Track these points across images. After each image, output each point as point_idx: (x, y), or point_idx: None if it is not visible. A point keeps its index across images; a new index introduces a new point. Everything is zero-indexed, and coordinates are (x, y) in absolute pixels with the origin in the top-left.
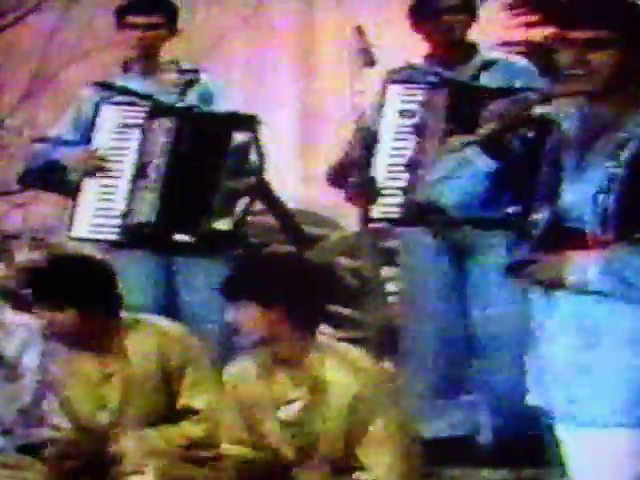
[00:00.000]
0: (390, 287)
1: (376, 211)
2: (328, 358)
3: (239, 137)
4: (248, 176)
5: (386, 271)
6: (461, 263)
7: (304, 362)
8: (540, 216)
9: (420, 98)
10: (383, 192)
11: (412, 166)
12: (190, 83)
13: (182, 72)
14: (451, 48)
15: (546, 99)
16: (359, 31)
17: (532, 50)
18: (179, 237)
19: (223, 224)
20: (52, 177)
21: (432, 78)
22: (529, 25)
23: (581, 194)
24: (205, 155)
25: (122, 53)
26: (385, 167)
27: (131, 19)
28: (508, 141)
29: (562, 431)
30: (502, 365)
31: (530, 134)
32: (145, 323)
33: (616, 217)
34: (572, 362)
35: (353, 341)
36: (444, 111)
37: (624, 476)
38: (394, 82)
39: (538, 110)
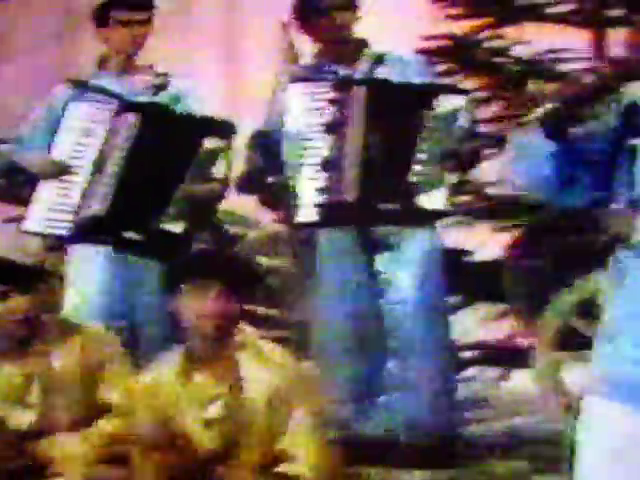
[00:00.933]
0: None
1: (296, 214)
2: (247, 355)
3: (210, 142)
4: (211, 183)
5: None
6: (373, 259)
7: (224, 360)
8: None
9: (327, 96)
10: (299, 194)
11: (330, 165)
12: (162, 86)
13: (157, 75)
14: (341, 45)
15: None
16: (284, 28)
17: (456, 43)
18: (128, 235)
19: (175, 227)
20: (13, 179)
21: (331, 76)
22: (453, 18)
23: None
24: (169, 155)
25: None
26: (297, 168)
27: (120, 15)
28: (568, 122)
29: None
30: (420, 363)
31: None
32: (70, 323)
33: None
34: None
35: (275, 340)
36: (364, 108)
37: None
38: (294, 81)
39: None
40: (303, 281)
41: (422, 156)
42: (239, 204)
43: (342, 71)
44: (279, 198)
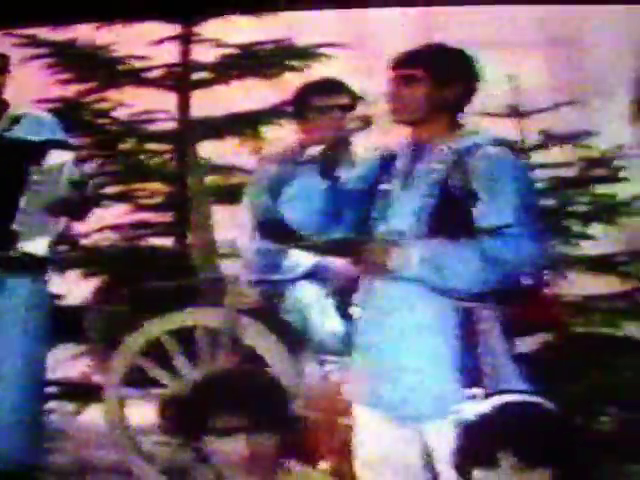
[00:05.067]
0: None
1: None
2: None
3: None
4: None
5: None
6: None
7: None
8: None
9: None
10: None
11: None
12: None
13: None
14: None
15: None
16: None
17: (65, 104)
18: None
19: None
20: None
21: None
22: (63, 82)
23: (405, 209)
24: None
25: None
26: None
27: None
28: (335, 162)
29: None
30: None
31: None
32: None
33: (431, 225)
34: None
35: None
36: None
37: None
38: None
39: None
40: None
41: (26, 206)
42: None
43: None
44: None
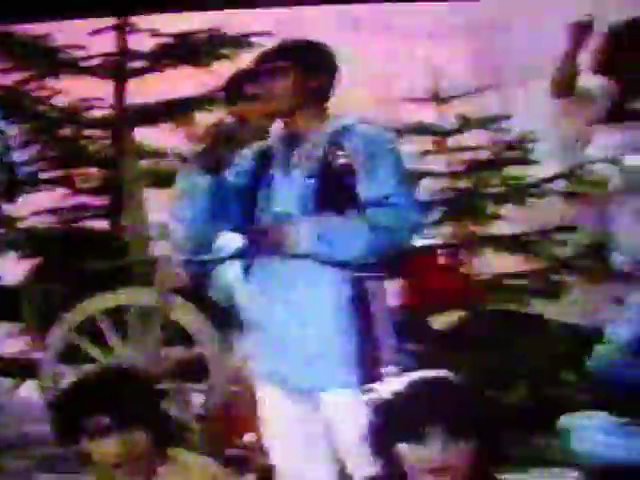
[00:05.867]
0: None
1: None
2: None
3: None
4: None
5: None
6: None
7: None
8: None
9: None
10: None
11: None
12: None
13: None
14: None
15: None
16: None
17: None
18: None
19: None
20: None
21: None
22: (3, 71)
23: (288, 194)
24: None
25: None
26: None
27: None
28: (218, 158)
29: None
30: None
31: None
32: None
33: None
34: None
35: None
36: None
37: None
38: None
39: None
40: None
41: None
42: None
43: None
44: None
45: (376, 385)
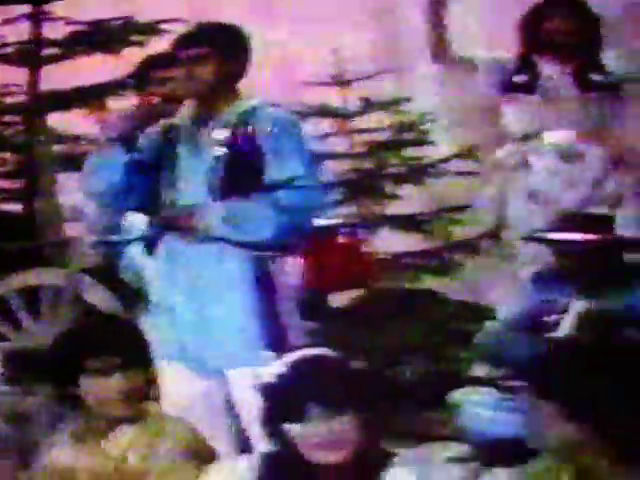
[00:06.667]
0: None
1: None
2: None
3: None
4: None
5: None
6: None
7: None
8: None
9: None
10: None
11: None
12: None
13: None
14: None
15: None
16: None
17: None
18: None
19: None
20: None
21: None
22: None
23: (196, 174)
24: None
25: None
26: None
27: None
28: (127, 136)
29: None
30: None
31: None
32: None
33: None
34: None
35: None
36: None
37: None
38: None
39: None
40: None
41: None
42: None
43: None
44: None
45: (260, 369)
